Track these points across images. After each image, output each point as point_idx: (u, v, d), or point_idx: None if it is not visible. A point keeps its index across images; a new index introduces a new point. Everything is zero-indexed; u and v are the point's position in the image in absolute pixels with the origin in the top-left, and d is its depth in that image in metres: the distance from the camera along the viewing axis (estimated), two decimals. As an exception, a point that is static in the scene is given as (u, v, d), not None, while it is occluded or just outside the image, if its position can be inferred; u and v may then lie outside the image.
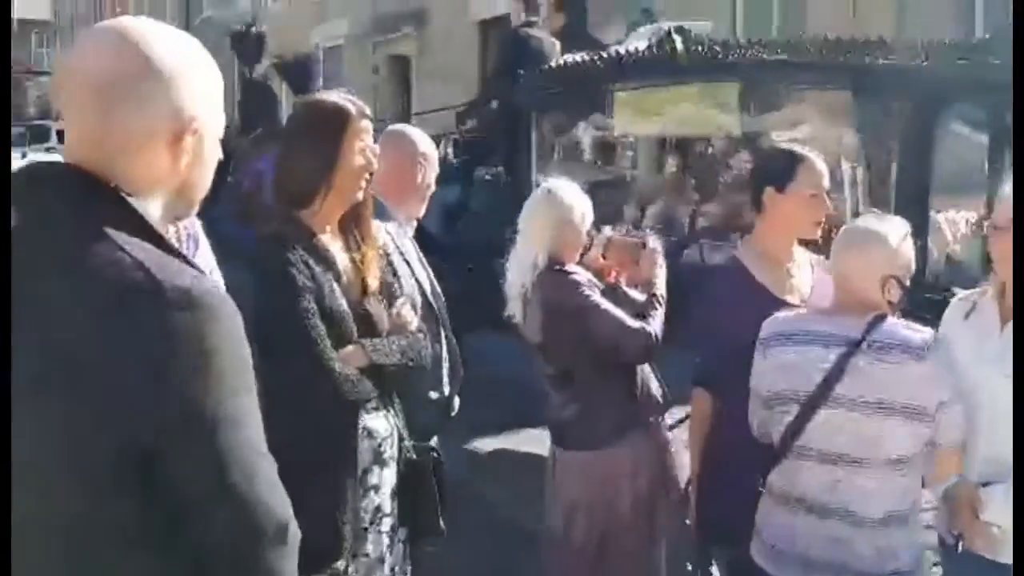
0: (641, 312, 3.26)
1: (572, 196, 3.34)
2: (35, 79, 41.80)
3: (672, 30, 5.65)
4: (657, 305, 3.29)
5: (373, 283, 2.61)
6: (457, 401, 3.23)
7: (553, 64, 6.53)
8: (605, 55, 5.83)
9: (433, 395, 3.07)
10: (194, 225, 3.62)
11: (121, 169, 1.33)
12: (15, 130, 25.22)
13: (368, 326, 2.55)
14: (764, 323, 2.71)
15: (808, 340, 2.59)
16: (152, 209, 1.36)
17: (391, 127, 3.57)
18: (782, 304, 2.87)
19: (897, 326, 2.54)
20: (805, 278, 3.11)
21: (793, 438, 2.57)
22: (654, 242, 3.49)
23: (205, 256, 3.60)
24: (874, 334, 2.51)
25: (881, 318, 2.54)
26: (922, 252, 3.67)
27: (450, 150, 7.54)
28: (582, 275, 3.28)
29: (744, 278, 3.05)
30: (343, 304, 2.50)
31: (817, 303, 2.87)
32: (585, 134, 6.42)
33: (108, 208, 1.30)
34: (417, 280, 3.05)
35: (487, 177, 6.91)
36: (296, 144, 2.59)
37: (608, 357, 3.23)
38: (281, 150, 2.64)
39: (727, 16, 10.73)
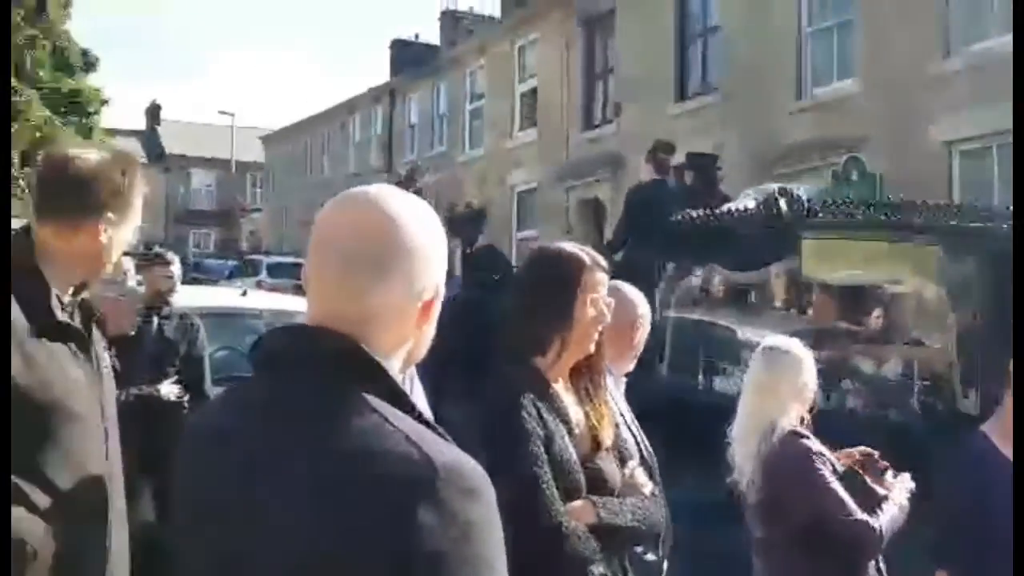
0: (873, 505, 3.14)
1: (805, 355, 3.27)
2: (248, 216, 44.96)
3: (777, 191, 6.43)
4: (892, 505, 3.16)
5: (607, 439, 2.52)
6: (666, 565, 3.08)
7: (678, 217, 7.19)
8: (716, 212, 6.70)
9: (650, 557, 2.89)
10: (411, 368, 3.72)
11: (374, 335, 1.33)
12: (230, 263, 27.05)
13: (598, 483, 2.44)
14: None
15: None
16: (394, 369, 1.36)
17: (612, 283, 3.58)
18: None
19: None
20: None
21: None
22: (905, 481, 3.35)
23: (419, 396, 3.66)
24: None
25: None
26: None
27: None
28: (816, 444, 3.18)
29: (993, 456, 2.88)
30: (573, 456, 2.40)
31: None
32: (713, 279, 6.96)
33: (364, 374, 1.30)
34: (635, 437, 2.94)
35: None
36: (531, 292, 2.55)
37: (823, 539, 3.10)
38: (515, 297, 2.61)
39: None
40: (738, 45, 15.43)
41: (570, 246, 2.56)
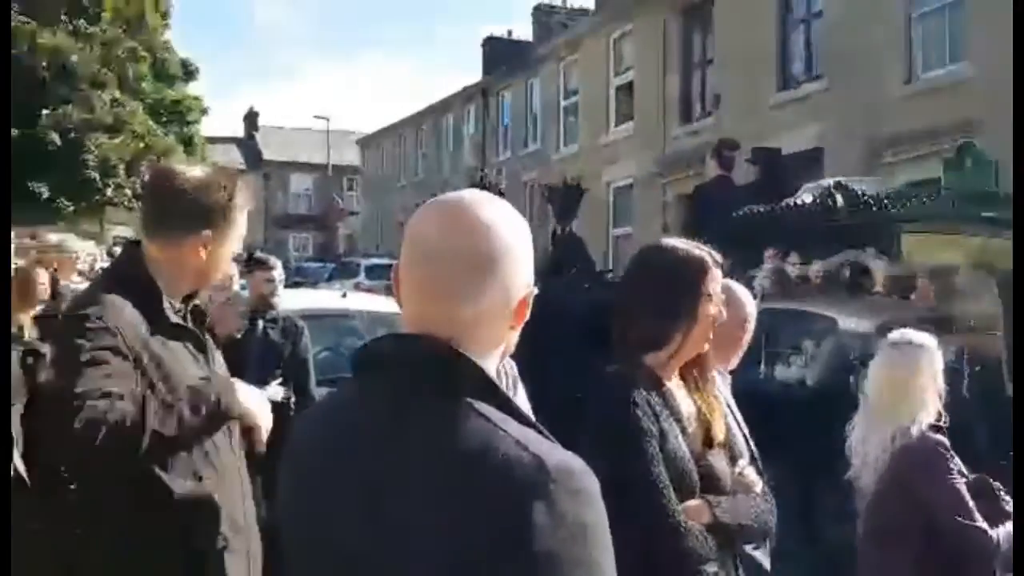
0: (996, 517, 3.14)
1: (935, 346, 3.18)
2: (345, 219, 45.62)
3: (832, 186, 6.78)
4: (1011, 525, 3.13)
5: (719, 435, 2.52)
6: (768, 563, 3.03)
7: (740, 213, 7.60)
8: (771, 208, 7.17)
9: (759, 555, 2.87)
10: (514, 368, 3.55)
11: (472, 338, 1.36)
12: (329, 266, 27.40)
13: (710, 481, 2.43)
14: None
15: None
16: (492, 370, 1.38)
17: (723, 282, 3.49)
18: None
19: None
20: None
21: None
22: None
23: (522, 396, 3.51)
24: None
25: None
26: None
27: None
28: (945, 442, 3.09)
29: None
30: (687, 454, 2.39)
31: None
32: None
33: (467, 379, 1.32)
34: (743, 433, 2.92)
35: None
36: (652, 289, 2.52)
37: (938, 537, 3.13)
38: (631, 293, 2.58)
39: None
40: (843, 30, 14.94)
41: (692, 245, 2.56)
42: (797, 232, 6.91)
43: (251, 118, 53.18)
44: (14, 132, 25.48)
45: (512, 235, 1.38)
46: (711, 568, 2.34)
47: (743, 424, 2.98)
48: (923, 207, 6.65)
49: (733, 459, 2.58)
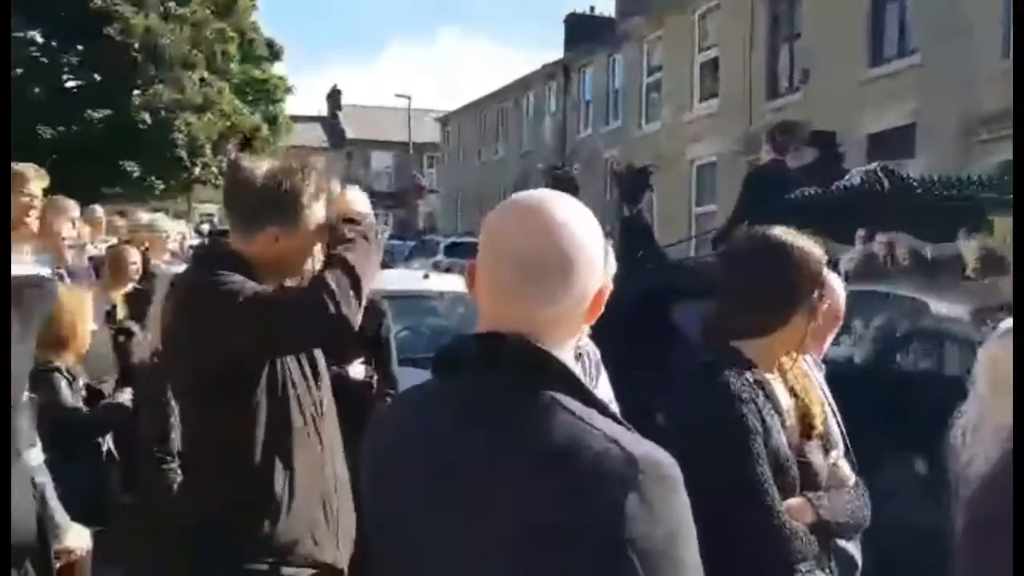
0: None
1: None
2: (425, 196, 45.88)
3: (879, 169, 7.00)
4: None
5: (819, 427, 2.48)
6: (859, 556, 2.97)
7: (794, 195, 7.61)
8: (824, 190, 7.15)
9: (851, 549, 2.83)
10: (596, 352, 3.49)
11: (551, 334, 1.38)
12: (409, 243, 27.60)
13: (808, 476, 2.38)
14: None
15: None
16: (571, 362, 1.41)
17: None
18: None
19: None
20: None
21: None
22: None
23: (605, 383, 3.45)
24: None
25: None
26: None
27: None
28: None
29: None
30: (788, 450, 2.34)
31: None
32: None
33: (551, 375, 1.35)
34: (838, 424, 2.84)
35: None
36: (759, 277, 2.45)
37: None
38: (741, 281, 2.49)
39: None
40: (938, 3, 14.42)
41: (805, 240, 2.50)
42: (882, 214, 7.05)
43: (334, 97, 53.70)
44: (107, 112, 26.17)
45: (586, 235, 1.41)
46: (805, 566, 2.31)
47: (837, 413, 2.91)
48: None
49: (827, 450, 2.54)
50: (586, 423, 1.30)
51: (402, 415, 1.51)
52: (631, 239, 8.25)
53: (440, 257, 23.29)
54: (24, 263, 1.90)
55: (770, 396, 2.37)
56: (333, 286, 2.28)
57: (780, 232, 2.51)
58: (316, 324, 2.32)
